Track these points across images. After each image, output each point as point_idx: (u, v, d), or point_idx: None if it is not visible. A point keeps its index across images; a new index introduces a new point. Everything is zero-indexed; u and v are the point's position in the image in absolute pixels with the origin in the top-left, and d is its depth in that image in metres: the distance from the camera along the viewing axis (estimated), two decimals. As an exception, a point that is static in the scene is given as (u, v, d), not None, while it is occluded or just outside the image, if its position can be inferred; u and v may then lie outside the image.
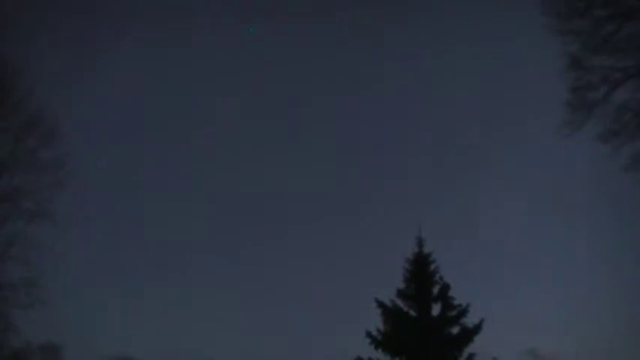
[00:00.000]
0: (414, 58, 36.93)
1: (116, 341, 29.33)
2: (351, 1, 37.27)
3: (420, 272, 20.05)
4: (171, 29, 36.50)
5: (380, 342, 19.56)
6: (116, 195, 35.84)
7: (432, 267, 20.12)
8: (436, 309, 19.86)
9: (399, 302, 20.00)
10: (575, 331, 26.83)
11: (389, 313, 19.86)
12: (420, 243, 20.32)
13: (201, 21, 36.41)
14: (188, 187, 37.88)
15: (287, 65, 38.28)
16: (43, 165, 21.76)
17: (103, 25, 34.21)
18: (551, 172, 32.05)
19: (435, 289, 19.94)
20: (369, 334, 19.64)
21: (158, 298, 33.19)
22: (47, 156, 21.84)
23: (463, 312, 19.56)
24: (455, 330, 19.61)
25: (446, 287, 19.86)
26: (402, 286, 20.11)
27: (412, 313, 19.94)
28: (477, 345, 19.28)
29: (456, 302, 19.71)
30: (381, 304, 19.91)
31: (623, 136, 17.79)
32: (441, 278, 19.97)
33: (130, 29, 35.67)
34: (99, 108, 35.28)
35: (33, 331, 22.90)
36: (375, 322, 19.82)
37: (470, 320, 19.48)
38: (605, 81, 17.87)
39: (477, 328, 19.34)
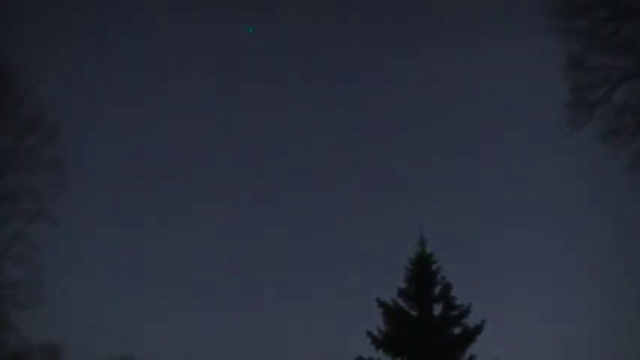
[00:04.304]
0: (414, 58, 36.86)
1: (116, 341, 29.30)
2: (351, 2, 37.26)
3: (422, 272, 20.04)
4: (171, 29, 36.49)
5: (381, 342, 19.56)
6: (116, 195, 35.80)
7: (434, 267, 20.11)
8: (437, 309, 19.88)
9: (401, 302, 20.01)
10: (576, 331, 26.85)
11: (390, 312, 19.85)
12: (422, 243, 20.34)
13: (201, 21, 36.40)
14: (189, 188, 37.84)
15: (287, 64, 38.27)
16: (44, 165, 21.77)
17: (103, 24, 34.19)
18: (551, 172, 32.01)
19: (437, 290, 19.94)
20: (369, 334, 19.65)
21: (158, 298, 33.17)
22: (47, 156, 21.87)
23: (465, 312, 19.57)
24: (456, 330, 19.62)
25: (447, 287, 19.86)
26: (403, 285, 20.15)
27: (413, 313, 19.94)
28: (478, 345, 19.35)
29: (457, 302, 19.74)
30: (382, 304, 19.91)
31: (623, 136, 17.85)
32: (442, 278, 19.98)
33: (130, 29, 35.66)
34: (99, 108, 35.30)
35: (33, 331, 22.86)
36: (376, 322, 19.91)
37: (471, 321, 19.55)
38: (606, 81, 17.92)
39: (478, 329, 19.37)
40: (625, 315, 23.88)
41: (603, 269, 28.08)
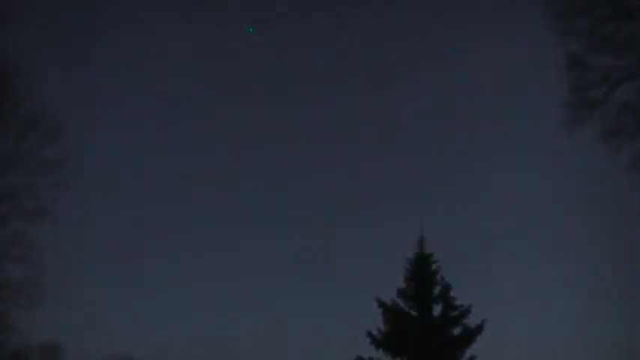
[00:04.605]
0: (414, 58, 36.92)
1: (116, 341, 29.31)
2: (351, 2, 37.27)
3: (421, 272, 20.07)
4: (171, 29, 36.52)
5: (380, 342, 19.60)
6: (117, 195, 35.82)
7: (434, 267, 20.15)
8: (437, 309, 19.92)
9: (400, 302, 20.04)
10: (576, 331, 26.86)
11: (390, 313, 19.88)
12: (422, 243, 20.38)
13: (201, 20, 36.43)
14: (189, 188, 37.84)
15: (287, 65, 38.29)
16: (44, 164, 21.74)
17: (103, 24, 34.23)
18: (551, 172, 32.04)
19: (436, 290, 19.98)
20: (369, 334, 19.69)
21: (159, 298, 33.18)
22: (48, 155, 21.84)
23: (464, 312, 19.60)
24: (456, 331, 19.65)
25: (447, 287, 19.89)
26: (402, 285, 20.17)
27: (413, 313, 19.98)
28: (478, 345, 19.36)
29: (457, 303, 19.76)
30: (382, 304, 19.95)
31: (623, 136, 17.85)
32: (442, 278, 20.02)
33: (130, 29, 35.71)
34: (99, 107, 35.34)
35: (33, 331, 22.85)
36: (376, 322, 19.93)
37: (471, 321, 19.57)
38: (606, 80, 17.91)
39: (478, 329, 19.38)
40: (625, 315, 23.91)
41: (603, 269, 28.11)
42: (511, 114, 34.25)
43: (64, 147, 21.96)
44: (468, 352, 19.52)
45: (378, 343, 19.59)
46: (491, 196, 34.74)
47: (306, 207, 36.74)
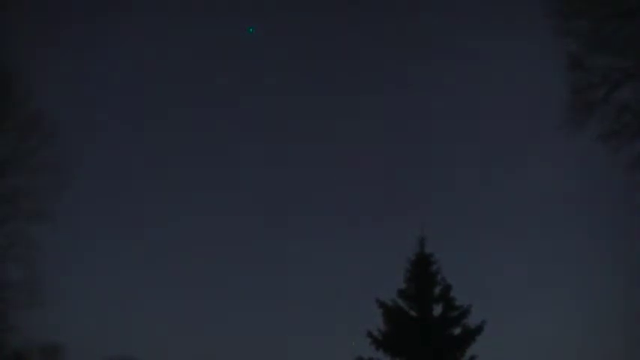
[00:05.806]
0: (414, 58, 36.88)
1: (116, 341, 29.32)
2: (352, 2, 37.25)
3: (422, 272, 20.10)
4: (172, 29, 36.52)
5: (381, 342, 19.63)
6: (116, 195, 35.82)
7: (434, 267, 20.16)
8: (437, 310, 19.93)
9: (401, 302, 20.06)
10: (575, 331, 26.86)
11: (390, 313, 19.91)
12: (422, 243, 20.38)
13: (201, 20, 36.43)
14: (189, 188, 37.85)
15: (288, 65, 38.28)
16: (44, 165, 21.81)
17: (103, 25, 34.20)
18: (551, 173, 32.03)
19: (437, 290, 20.00)
20: (370, 334, 19.71)
21: (159, 298, 33.19)
22: (47, 156, 21.90)
23: (464, 313, 19.62)
24: (456, 331, 19.67)
25: (447, 288, 19.91)
26: (403, 286, 20.19)
27: (413, 313, 20.00)
28: (478, 345, 19.39)
29: (457, 303, 19.78)
30: (382, 304, 19.97)
31: (623, 136, 17.86)
32: (442, 279, 20.04)
33: (130, 29, 35.64)
34: (99, 108, 35.33)
35: (33, 331, 22.86)
36: (376, 322, 19.95)
37: (471, 321, 19.59)
38: (606, 81, 17.92)
39: (478, 329, 19.40)
40: (625, 315, 23.90)
41: (603, 270, 28.08)
42: (511, 114, 34.30)
43: (64, 148, 22.06)
44: (468, 352, 19.53)
45: (378, 343, 19.61)
46: (492, 196, 34.75)
47: (305, 207, 36.80)
